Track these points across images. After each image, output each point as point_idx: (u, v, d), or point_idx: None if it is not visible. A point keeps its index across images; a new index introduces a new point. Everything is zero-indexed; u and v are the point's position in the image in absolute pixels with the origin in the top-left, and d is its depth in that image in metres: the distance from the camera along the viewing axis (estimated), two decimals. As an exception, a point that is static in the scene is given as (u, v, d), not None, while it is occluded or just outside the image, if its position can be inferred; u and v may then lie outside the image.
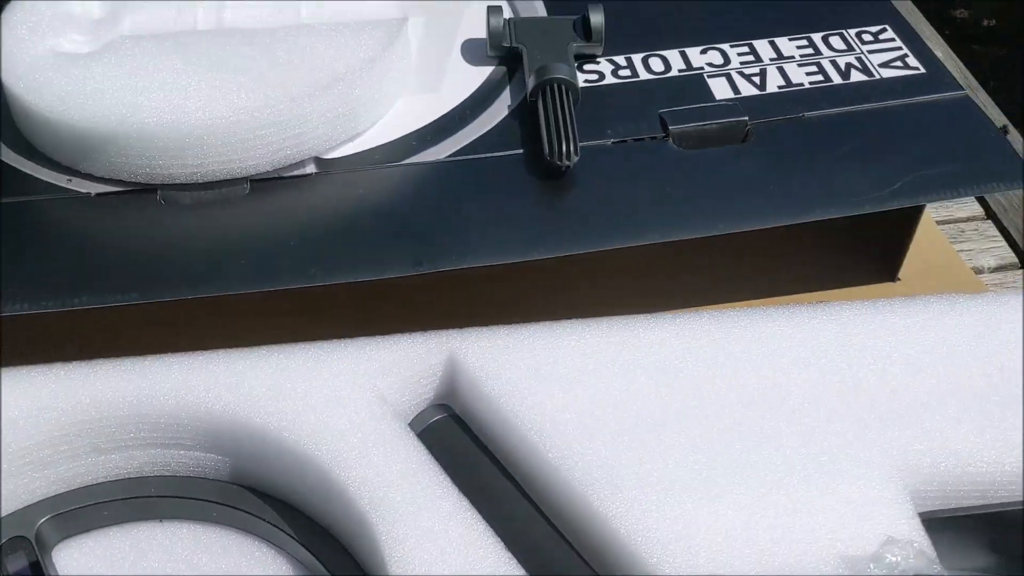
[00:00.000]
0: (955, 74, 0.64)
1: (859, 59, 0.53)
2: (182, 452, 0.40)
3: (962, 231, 0.60)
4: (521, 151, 0.48)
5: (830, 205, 0.46)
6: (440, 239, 0.44)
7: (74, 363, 0.40)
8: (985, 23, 2.01)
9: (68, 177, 0.47)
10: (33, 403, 0.39)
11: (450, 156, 0.48)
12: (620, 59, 0.53)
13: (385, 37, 0.49)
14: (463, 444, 0.41)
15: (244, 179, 0.46)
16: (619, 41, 0.53)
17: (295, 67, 0.47)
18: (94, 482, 0.40)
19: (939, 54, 0.60)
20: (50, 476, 0.39)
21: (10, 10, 0.51)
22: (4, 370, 0.40)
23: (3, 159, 0.48)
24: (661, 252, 0.46)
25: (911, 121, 0.50)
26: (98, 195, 0.46)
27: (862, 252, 0.54)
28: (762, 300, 0.50)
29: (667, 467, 0.38)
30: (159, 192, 0.46)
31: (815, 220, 0.46)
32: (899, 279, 0.54)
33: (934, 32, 0.75)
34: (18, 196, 0.46)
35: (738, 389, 0.41)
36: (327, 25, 0.50)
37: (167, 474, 0.41)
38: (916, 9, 0.79)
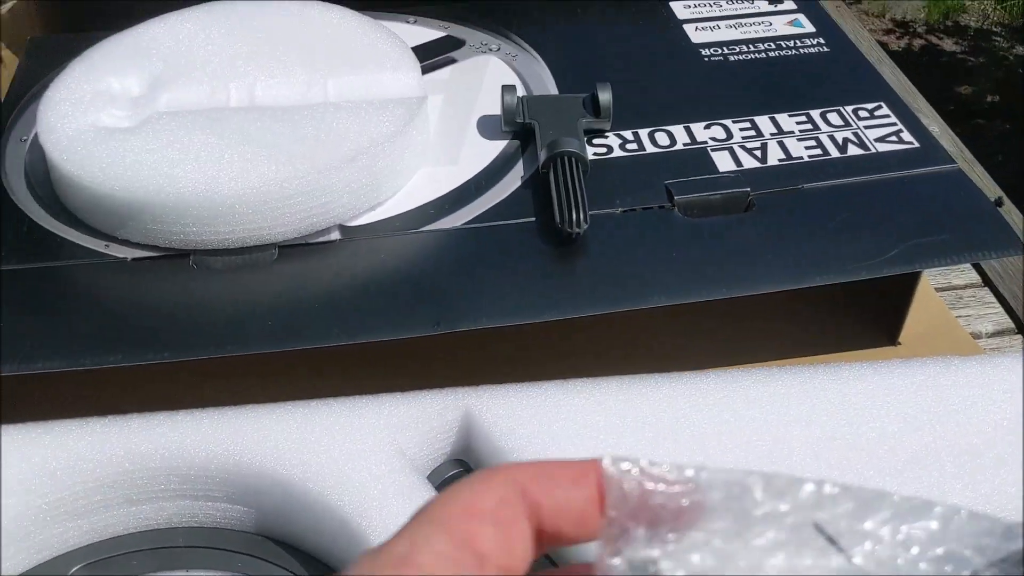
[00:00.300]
0: (951, 148, 0.67)
1: (855, 134, 0.55)
2: (210, 504, 0.42)
3: (960, 297, 0.62)
4: (534, 219, 0.50)
5: (828, 271, 0.48)
6: (457, 301, 0.46)
7: (109, 417, 0.42)
8: (989, 99, 2.06)
9: (106, 243, 0.49)
10: (70, 455, 0.41)
11: (466, 224, 0.50)
12: (628, 134, 0.56)
13: (406, 114, 0.52)
14: (478, 498, 0.42)
15: (273, 245, 0.49)
16: (626, 117, 0.56)
17: (322, 142, 0.50)
18: (125, 532, 0.42)
19: (936, 129, 0.63)
20: (83, 526, 0.41)
21: (54, 87, 0.54)
22: (43, 424, 0.42)
23: (44, 226, 0.50)
24: (667, 315, 0.48)
25: (905, 193, 0.52)
26: (134, 260, 0.49)
27: (863, 317, 0.56)
28: (767, 363, 0.52)
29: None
30: (192, 257, 0.49)
31: (815, 286, 0.48)
32: (900, 343, 0.55)
33: (931, 109, 0.78)
34: (59, 260, 0.49)
35: (743, 446, 0.42)
36: (352, 102, 0.53)
37: (194, 525, 0.42)
38: (914, 88, 0.82)
